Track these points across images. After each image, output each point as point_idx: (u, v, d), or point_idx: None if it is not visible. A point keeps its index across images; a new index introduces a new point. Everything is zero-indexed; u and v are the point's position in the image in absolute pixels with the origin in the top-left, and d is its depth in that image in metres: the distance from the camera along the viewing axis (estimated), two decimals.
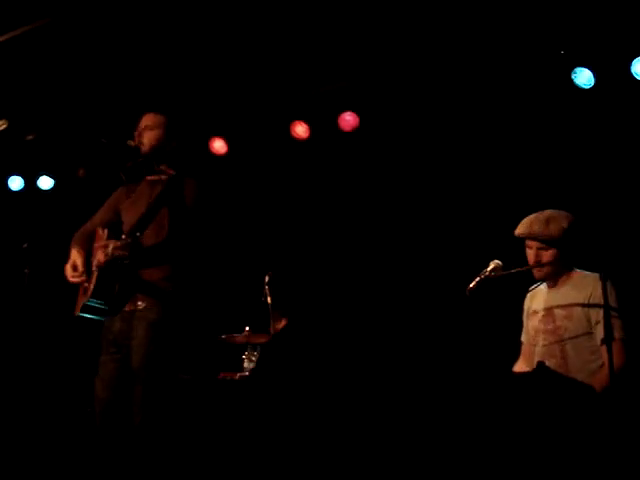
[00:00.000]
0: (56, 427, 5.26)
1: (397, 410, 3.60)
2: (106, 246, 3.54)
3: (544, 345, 3.69)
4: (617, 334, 3.45)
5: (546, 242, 3.68)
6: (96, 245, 3.80)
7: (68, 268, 3.73)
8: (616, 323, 3.47)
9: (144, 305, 3.64)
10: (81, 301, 3.72)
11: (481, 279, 3.68)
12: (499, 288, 3.79)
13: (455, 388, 3.40)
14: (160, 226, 3.66)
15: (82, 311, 3.69)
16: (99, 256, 3.57)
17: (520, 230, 3.77)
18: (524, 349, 3.91)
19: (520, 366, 3.87)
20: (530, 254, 3.76)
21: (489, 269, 3.71)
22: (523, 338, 3.92)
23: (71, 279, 3.71)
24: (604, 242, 4.11)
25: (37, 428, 5.24)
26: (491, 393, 3.27)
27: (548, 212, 3.75)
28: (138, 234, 3.51)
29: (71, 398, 5.56)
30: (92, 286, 3.64)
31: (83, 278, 3.67)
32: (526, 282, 3.90)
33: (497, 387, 3.29)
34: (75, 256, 3.74)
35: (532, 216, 3.77)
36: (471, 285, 3.68)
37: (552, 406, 3.19)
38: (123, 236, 3.54)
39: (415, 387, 3.63)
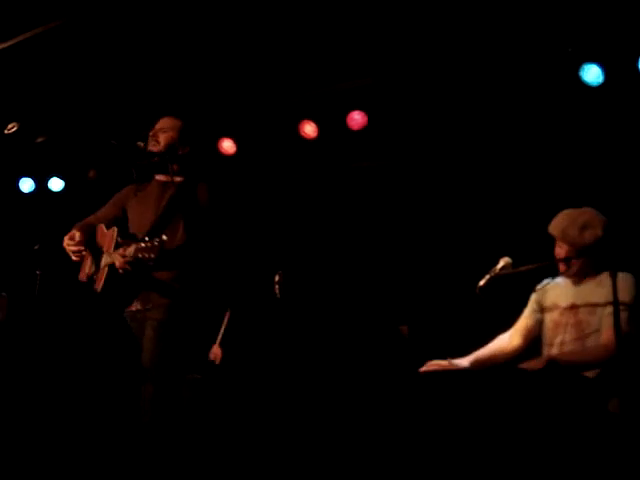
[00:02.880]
0: (64, 426, 5.29)
1: (405, 406, 3.60)
2: (125, 247, 3.56)
3: (564, 341, 3.66)
4: (622, 325, 3.44)
5: (578, 251, 3.64)
6: (100, 240, 3.84)
7: (66, 239, 3.78)
8: (624, 316, 3.45)
9: (153, 304, 3.67)
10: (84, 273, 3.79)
11: (491, 277, 3.68)
12: (509, 286, 3.79)
13: (466, 385, 3.40)
14: (175, 231, 3.69)
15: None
16: (118, 258, 3.58)
17: (554, 231, 3.72)
18: (520, 323, 3.90)
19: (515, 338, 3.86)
20: (559, 252, 3.71)
21: (499, 267, 3.70)
22: (525, 315, 3.90)
23: (67, 247, 3.77)
24: (616, 239, 4.11)
25: (47, 427, 5.27)
26: (501, 390, 3.27)
27: (585, 215, 3.70)
28: (165, 238, 3.52)
29: (81, 397, 5.59)
30: (101, 283, 3.67)
31: (79, 247, 3.72)
32: (537, 280, 3.90)
33: (508, 384, 3.29)
34: (74, 230, 3.80)
35: (568, 216, 3.72)
36: (481, 283, 3.67)
37: (563, 403, 3.19)
38: (146, 238, 3.55)
39: (425, 384, 3.63)
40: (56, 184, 6.69)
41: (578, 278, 3.75)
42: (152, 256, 3.48)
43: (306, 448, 4.44)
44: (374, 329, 5.42)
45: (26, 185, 6.74)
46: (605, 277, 3.68)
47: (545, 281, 3.85)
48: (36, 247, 5.07)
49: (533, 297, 3.90)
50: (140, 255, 3.49)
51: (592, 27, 4.77)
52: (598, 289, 3.66)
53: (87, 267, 3.86)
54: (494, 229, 5.15)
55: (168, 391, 3.59)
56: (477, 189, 5.43)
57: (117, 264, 3.60)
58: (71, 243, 3.77)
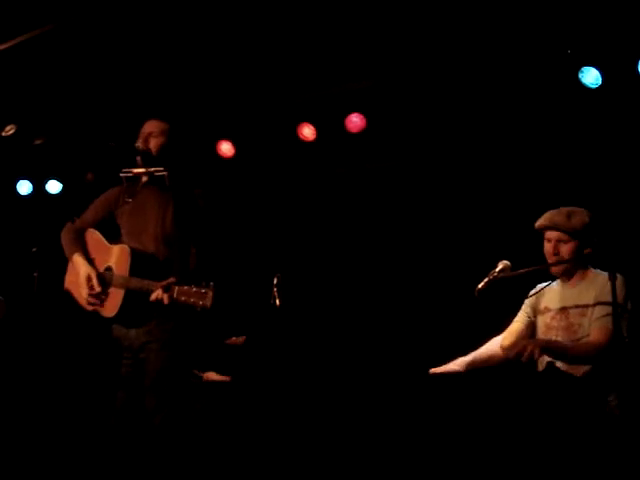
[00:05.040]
0: (64, 429, 5.28)
1: (405, 409, 3.60)
2: (172, 287, 3.49)
3: None
4: (609, 323, 3.45)
5: (567, 233, 3.68)
6: (91, 248, 3.82)
7: (82, 283, 3.72)
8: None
9: (160, 312, 3.67)
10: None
11: (490, 280, 3.68)
12: (508, 289, 3.79)
13: (465, 389, 3.40)
14: (174, 240, 3.69)
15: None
16: (159, 293, 3.51)
17: (541, 222, 3.76)
18: (513, 326, 3.90)
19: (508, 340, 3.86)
20: (548, 247, 3.73)
21: (498, 270, 3.71)
22: (518, 318, 3.91)
23: (89, 299, 3.71)
24: (613, 241, 4.10)
25: (46, 430, 5.26)
26: (500, 393, 3.27)
27: (569, 208, 3.75)
28: (212, 284, 3.44)
29: (80, 401, 5.58)
30: (116, 309, 3.63)
31: (97, 300, 3.69)
32: (535, 283, 3.89)
33: (506, 388, 3.29)
34: (88, 269, 3.75)
35: (553, 210, 3.77)
36: (480, 286, 3.67)
37: (561, 407, 3.19)
38: (195, 285, 3.46)
39: (425, 388, 3.63)
40: (54, 186, 6.68)
41: (568, 279, 3.75)
42: (207, 304, 3.40)
43: (306, 453, 4.44)
44: (372, 331, 5.41)
45: (24, 187, 6.73)
46: (594, 278, 3.69)
47: (539, 286, 3.85)
48: (34, 249, 5.06)
49: (527, 301, 3.91)
50: (191, 300, 3.42)
51: (591, 30, 4.77)
52: (588, 290, 3.66)
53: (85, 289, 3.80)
54: (493, 232, 5.14)
55: (171, 400, 3.60)
56: (476, 192, 5.43)
57: (156, 297, 3.53)
58: (93, 293, 3.71)
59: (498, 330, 3.98)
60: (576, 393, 3.28)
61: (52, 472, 4.81)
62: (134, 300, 3.60)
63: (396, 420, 3.59)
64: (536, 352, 3.33)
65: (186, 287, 3.45)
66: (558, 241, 3.71)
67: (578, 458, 3.10)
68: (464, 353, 3.87)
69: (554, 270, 3.76)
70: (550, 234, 3.73)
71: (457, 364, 3.78)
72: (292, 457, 4.42)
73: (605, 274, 3.63)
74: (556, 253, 3.70)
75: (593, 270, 3.74)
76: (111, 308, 3.65)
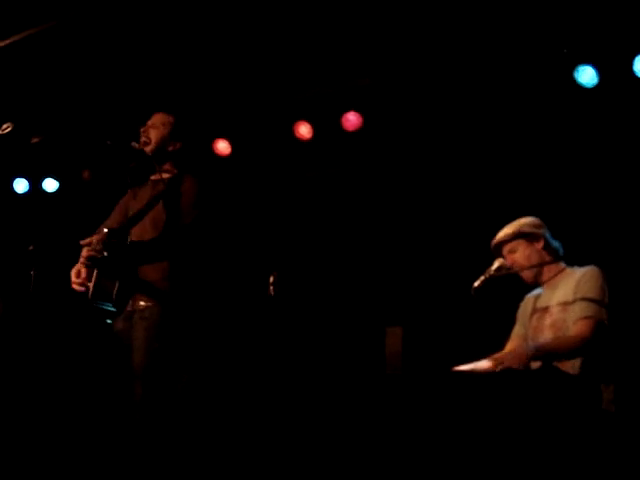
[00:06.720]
0: (57, 429, 5.28)
1: (398, 408, 3.61)
2: (90, 243, 3.58)
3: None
4: (591, 314, 3.50)
5: (508, 242, 3.79)
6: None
7: (72, 274, 3.74)
8: (594, 306, 3.51)
9: (145, 305, 3.67)
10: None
11: (486, 278, 3.70)
12: (504, 287, 3.80)
13: (462, 386, 3.40)
14: (157, 221, 3.70)
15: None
16: (83, 252, 3.61)
17: (492, 246, 3.87)
18: (513, 343, 3.92)
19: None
20: (510, 258, 3.82)
21: (494, 268, 3.73)
22: (515, 332, 3.93)
23: (73, 285, 3.73)
24: (605, 239, 4.13)
25: (40, 430, 5.27)
26: (497, 391, 3.28)
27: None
28: (105, 230, 3.55)
29: (75, 400, 5.58)
30: (90, 289, 3.66)
31: (82, 288, 3.69)
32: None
33: (503, 385, 3.30)
34: (80, 263, 3.77)
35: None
36: (476, 284, 3.69)
37: (555, 405, 3.20)
38: (105, 230, 3.58)
39: (420, 386, 3.63)
40: (50, 185, 6.67)
41: (547, 282, 3.79)
42: (99, 248, 3.50)
43: (302, 447, 4.44)
44: (369, 331, 5.42)
45: (20, 186, 6.72)
46: (571, 274, 3.74)
47: (527, 296, 3.89)
48: (30, 248, 5.05)
49: (519, 313, 3.94)
50: (97, 248, 3.51)
51: (587, 28, 4.78)
52: (567, 287, 3.70)
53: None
54: (489, 230, 5.15)
55: (158, 392, 3.59)
56: (472, 190, 5.44)
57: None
58: (76, 282, 3.72)
59: (494, 328, 3.99)
60: (571, 390, 3.29)
61: (53, 471, 4.81)
62: (102, 277, 3.62)
63: (388, 416, 3.59)
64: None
65: (96, 236, 3.56)
66: (509, 253, 3.78)
67: (574, 456, 3.11)
68: (460, 351, 3.88)
69: (526, 278, 3.81)
70: (503, 252, 3.82)
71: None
72: (288, 449, 4.43)
73: (581, 269, 3.67)
74: (513, 264, 3.76)
75: (569, 268, 3.78)
76: (90, 289, 3.67)
